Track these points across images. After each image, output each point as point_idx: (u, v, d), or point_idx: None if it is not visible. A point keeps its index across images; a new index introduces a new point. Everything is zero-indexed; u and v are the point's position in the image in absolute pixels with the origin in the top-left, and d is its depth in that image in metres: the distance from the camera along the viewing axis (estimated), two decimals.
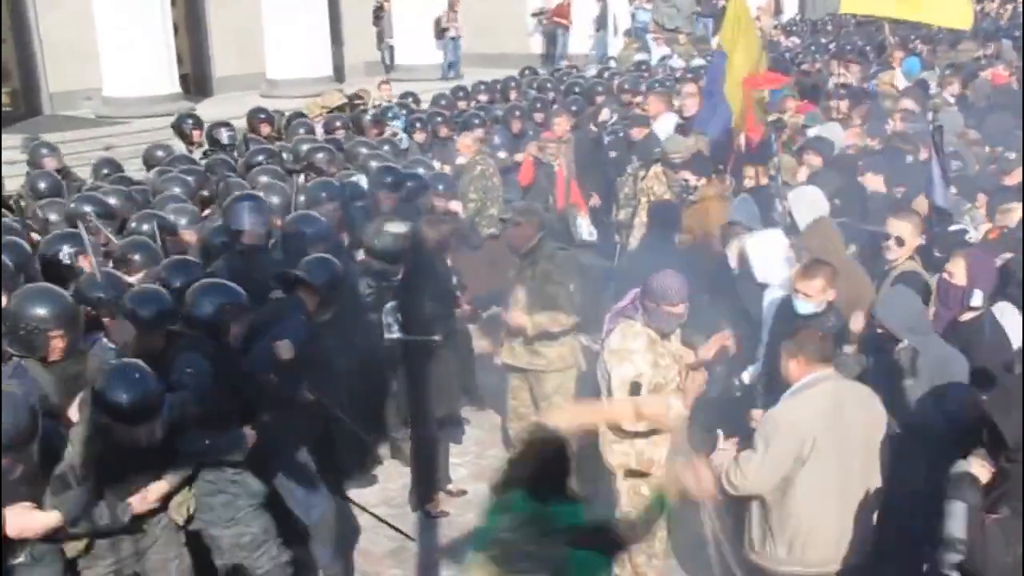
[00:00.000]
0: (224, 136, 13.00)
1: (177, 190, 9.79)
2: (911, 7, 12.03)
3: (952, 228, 8.36)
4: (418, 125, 13.90)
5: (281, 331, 6.46)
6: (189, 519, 5.90)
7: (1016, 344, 6.38)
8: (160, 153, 12.30)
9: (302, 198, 9.29)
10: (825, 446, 5.44)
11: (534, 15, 27.05)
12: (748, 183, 10.20)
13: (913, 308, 6.48)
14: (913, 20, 12.38)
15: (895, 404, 5.93)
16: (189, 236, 8.50)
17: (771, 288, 7.38)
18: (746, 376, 7.27)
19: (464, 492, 8.30)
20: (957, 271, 6.98)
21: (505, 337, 8.05)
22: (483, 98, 16.88)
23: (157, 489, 5.54)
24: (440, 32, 25.37)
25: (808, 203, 8.40)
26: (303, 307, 6.75)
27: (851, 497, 5.61)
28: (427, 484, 8.11)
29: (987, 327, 6.58)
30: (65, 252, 7.36)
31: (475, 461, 8.81)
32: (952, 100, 14.21)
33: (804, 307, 6.65)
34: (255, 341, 6.40)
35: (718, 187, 9.75)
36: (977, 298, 6.75)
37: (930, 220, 8.26)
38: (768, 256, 7.56)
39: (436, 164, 11.90)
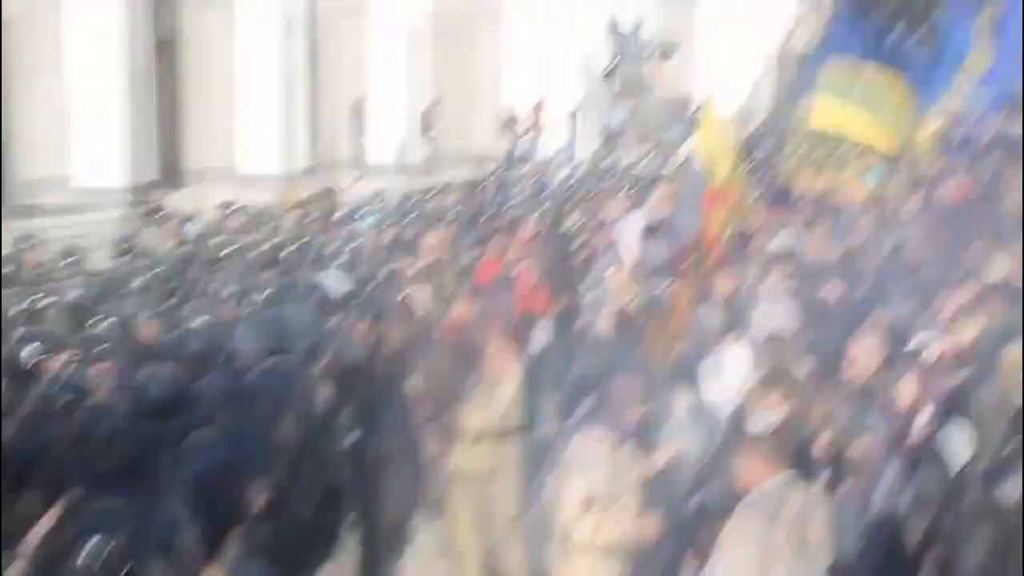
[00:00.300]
0: (191, 229, 12.98)
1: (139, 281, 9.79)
2: (868, 131, 12.27)
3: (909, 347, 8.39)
4: (386, 224, 13.93)
5: None
6: None
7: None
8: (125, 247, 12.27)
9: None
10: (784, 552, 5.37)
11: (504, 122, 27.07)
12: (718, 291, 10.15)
13: None
14: (869, 142, 12.52)
15: None
16: (147, 329, 8.35)
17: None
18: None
19: None
20: (903, 392, 6.96)
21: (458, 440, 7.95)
22: (452, 198, 16.94)
23: None
24: (426, 128, 25.55)
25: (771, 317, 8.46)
26: None
27: None
28: None
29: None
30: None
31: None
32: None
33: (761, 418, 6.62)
34: None
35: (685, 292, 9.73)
36: (923, 419, 6.74)
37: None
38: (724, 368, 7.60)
39: (402, 262, 11.87)
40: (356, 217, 14.94)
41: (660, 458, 6.79)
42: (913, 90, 11.89)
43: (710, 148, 10.38)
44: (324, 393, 7.63)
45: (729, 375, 7.64)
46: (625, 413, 6.44)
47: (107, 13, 20.46)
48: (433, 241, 11.83)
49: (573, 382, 8.21)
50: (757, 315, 8.72)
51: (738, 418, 6.86)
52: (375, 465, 7.69)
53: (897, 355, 7.92)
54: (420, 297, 10.26)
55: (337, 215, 14.96)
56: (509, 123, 26.73)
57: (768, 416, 6.38)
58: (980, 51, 14.38)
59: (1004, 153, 18.10)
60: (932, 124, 12.37)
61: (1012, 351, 7.26)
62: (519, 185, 18.47)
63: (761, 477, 5.57)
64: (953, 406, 7.00)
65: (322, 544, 6.76)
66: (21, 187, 20.72)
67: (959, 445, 6.58)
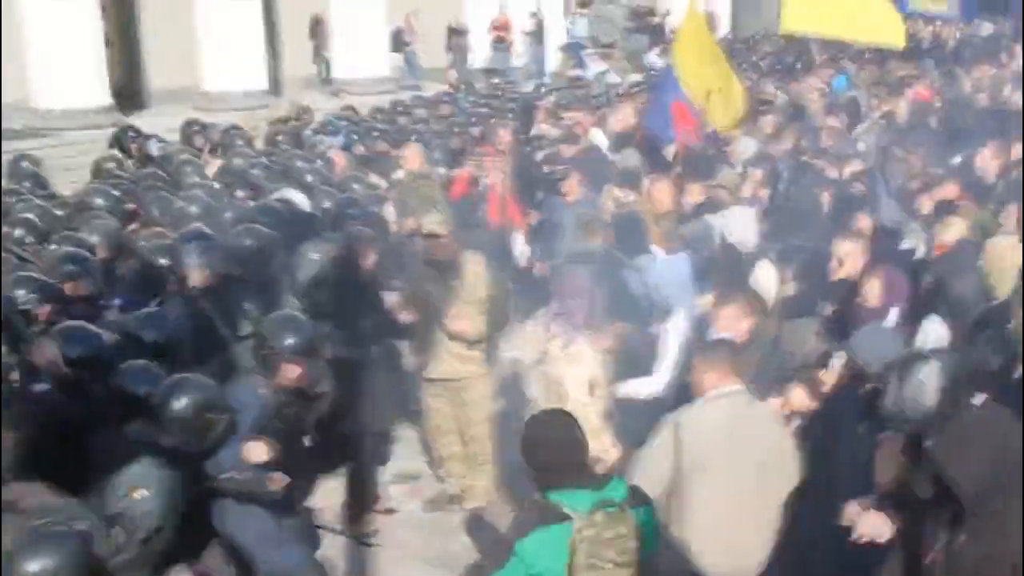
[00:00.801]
0: (154, 149, 12.77)
1: (100, 202, 9.62)
2: (849, 26, 12.14)
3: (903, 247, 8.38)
4: (356, 139, 13.78)
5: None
6: None
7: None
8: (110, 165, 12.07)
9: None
10: (719, 459, 5.39)
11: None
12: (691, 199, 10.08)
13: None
14: (850, 39, 12.45)
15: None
16: (102, 252, 8.12)
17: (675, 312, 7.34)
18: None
19: (393, 511, 8.13)
20: (871, 292, 6.99)
21: (431, 349, 7.97)
22: (421, 112, 16.77)
23: None
24: (399, 45, 25.35)
25: (741, 224, 8.43)
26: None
27: (745, 512, 5.49)
28: (359, 503, 7.90)
29: None
30: None
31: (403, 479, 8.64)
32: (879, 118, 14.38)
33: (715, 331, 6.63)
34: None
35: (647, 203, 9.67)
36: (892, 317, 6.81)
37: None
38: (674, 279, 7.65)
39: (374, 178, 11.76)
40: (328, 133, 14.79)
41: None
42: None
43: (691, 51, 10.37)
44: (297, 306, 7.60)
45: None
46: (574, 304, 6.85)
47: None
48: (412, 153, 11.69)
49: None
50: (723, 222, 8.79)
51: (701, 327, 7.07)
52: (357, 376, 7.60)
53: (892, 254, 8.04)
54: (394, 210, 10.23)
55: (308, 132, 14.76)
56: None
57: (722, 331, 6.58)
58: None
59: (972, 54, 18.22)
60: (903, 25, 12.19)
61: (994, 244, 7.32)
62: (487, 98, 18.25)
63: (711, 384, 5.58)
64: (930, 302, 7.05)
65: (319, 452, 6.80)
66: None
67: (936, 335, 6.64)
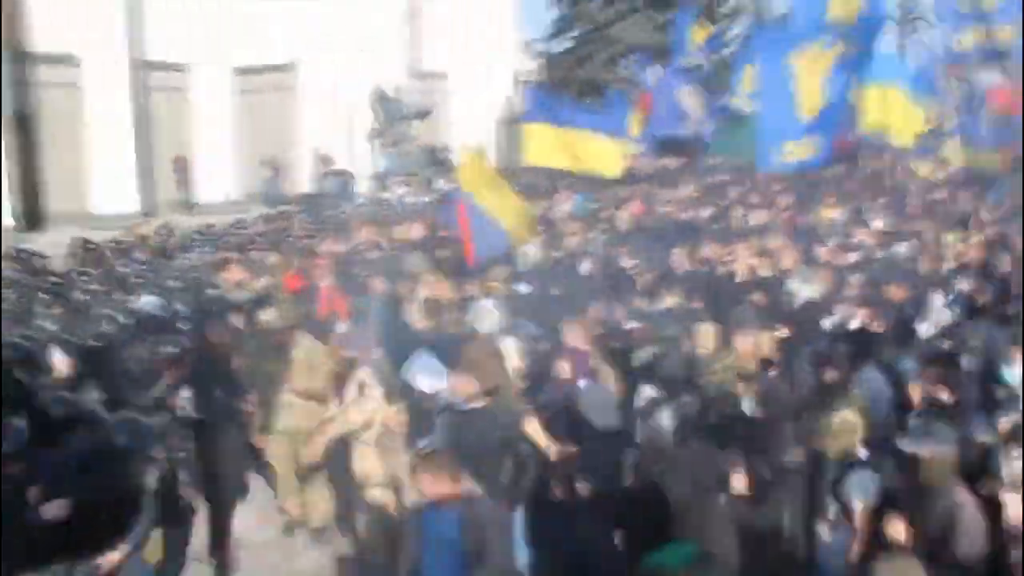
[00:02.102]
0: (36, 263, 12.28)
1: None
2: (579, 162, 12.61)
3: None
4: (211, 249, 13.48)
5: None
6: None
7: None
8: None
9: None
10: None
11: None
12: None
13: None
14: (578, 171, 12.91)
15: None
16: None
17: None
18: None
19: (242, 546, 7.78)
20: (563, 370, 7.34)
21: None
22: (262, 228, 16.50)
23: None
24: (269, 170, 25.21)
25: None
26: None
27: None
28: (223, 537, 7.58)
29: None
30: None
31: (262, 512, 8.30)
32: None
33: None
34: None
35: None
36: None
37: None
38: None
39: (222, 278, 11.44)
40: (188, 246, 14.39)
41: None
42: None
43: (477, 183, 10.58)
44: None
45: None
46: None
47: None
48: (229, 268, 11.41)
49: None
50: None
51: None
52: (210, 434, 7.33)
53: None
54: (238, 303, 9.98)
55: (172, 244, 14.35)
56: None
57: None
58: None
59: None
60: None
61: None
62: (318, 216, 18.14)
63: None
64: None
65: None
66: None
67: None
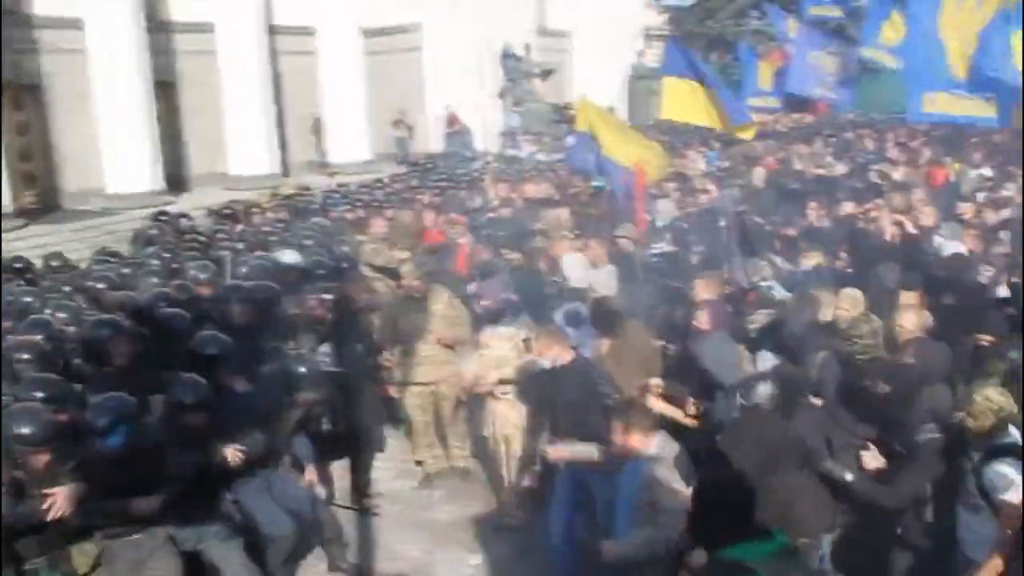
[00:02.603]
0: (184, 223, 12.73)
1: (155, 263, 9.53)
2: (708, 118, 12.34)
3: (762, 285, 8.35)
4: (348, 207, 13.69)
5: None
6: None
7: None
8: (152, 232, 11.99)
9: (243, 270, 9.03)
10: None
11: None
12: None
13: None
14: (711, 126, 12.60)
15: None
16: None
17: None
18: None
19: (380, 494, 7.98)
20: (701, 320, 6.96)
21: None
22: (395, 186, 16.72)
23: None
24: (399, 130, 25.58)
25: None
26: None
27: None
28: (363, 486, 7.79)
29: None
30: None
31: (397, 465, 8.47)
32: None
33: None
34: None
35: None
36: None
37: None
38: None
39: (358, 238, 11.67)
40: (324, 205, 14.68)
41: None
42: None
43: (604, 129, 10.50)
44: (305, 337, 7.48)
45: None
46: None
47: (121, 64, 19.80)
48: (380, 221, 11.64)
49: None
50: None
51: None
52: (349, 387, 7.49)
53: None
54: (377, 259, 10.15)
55: (308, 204, 14.67)
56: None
57: None
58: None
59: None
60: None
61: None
62: (447, 172, 18.29)
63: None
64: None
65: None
66: (71, 196, 20.43)
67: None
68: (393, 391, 8.35)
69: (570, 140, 15.04)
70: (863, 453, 5.32)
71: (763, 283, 8.41)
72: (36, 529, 4.67)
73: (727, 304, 7.69)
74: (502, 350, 7.25)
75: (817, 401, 5.84)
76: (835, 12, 17.61)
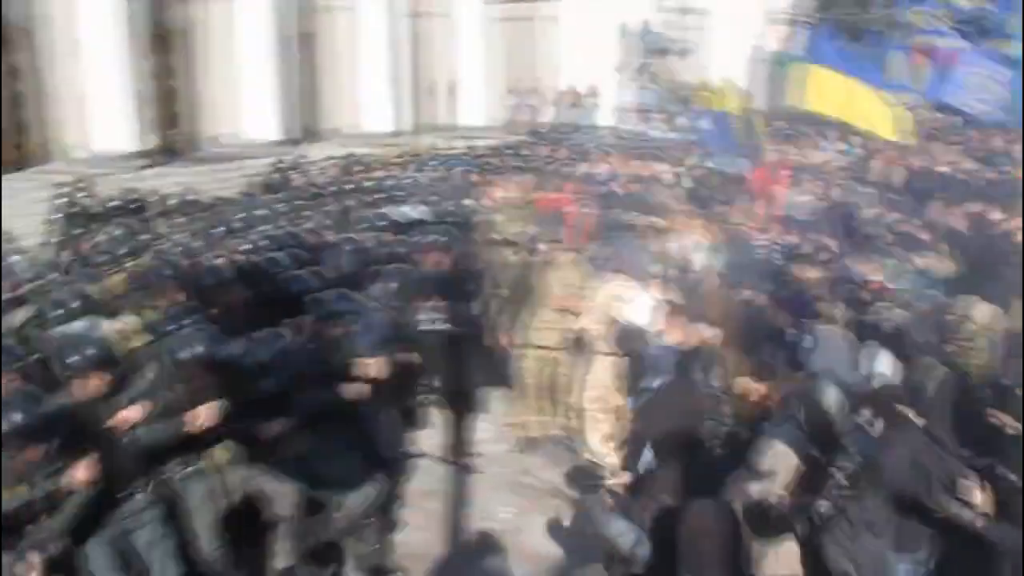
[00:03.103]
0: (312, 172, 13.00)
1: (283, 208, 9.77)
2: (855, 114, 11.93)
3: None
4: (473, 170, 13.77)
5: None
6: None
7: None
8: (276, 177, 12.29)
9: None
10: None
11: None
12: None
13: None
14: (852, 123, 12.15)
15: None
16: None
17: None
18: None
19: (480, 454, 8.04)
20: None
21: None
22: (524, 153, 16.73)
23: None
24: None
25: None
26: None
27: None
28: (463, 443, 7.87)
29: None
30: None
31: (500, 427, 8.48)
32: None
33: None
34: None
35: None
36: None
37: None
38: None
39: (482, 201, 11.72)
40: (449, 165, 14.79)
41: None
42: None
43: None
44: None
45: None
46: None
47: (264, 14, 20.28)
48: (509, 183, 11.68)
49: None
50: None
51: None
52: (459, 345, 7.54)
53: None
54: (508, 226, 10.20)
55: (433, 164, 14.81)
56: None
57: None
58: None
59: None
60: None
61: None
62: (571, 145, 18.19)
63: None
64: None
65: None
66: (207, 140, 21.07)
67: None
68: (507, 352, 8.40)
69: (705, 121, 14.85)
70: (964, 483, 4.77)
71: (889, 283, 8.12)
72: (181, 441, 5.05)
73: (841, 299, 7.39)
74: (614, 300, 7.36)
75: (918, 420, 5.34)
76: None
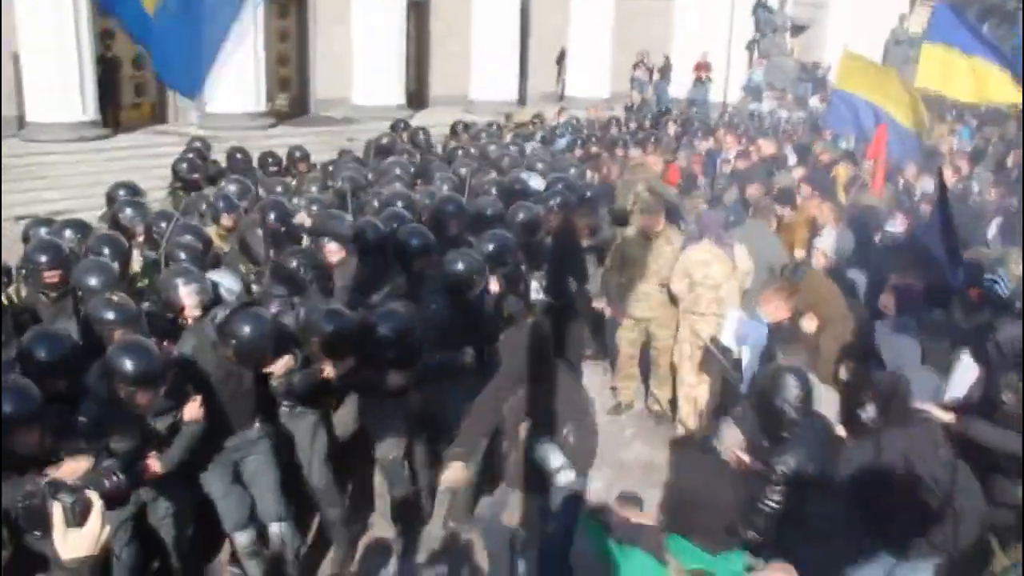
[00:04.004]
0: (421, 137, 13.07)
1: (398, 171, 9.88)
2: (972, 92, 11.51)
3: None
4: (579, 143, 13.72)
5: None
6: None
7: None
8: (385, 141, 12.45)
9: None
10: None
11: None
12: None
13: None
14: (969, 101, 11.77)
15: None
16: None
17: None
18: None
19: None
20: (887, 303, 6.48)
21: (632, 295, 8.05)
22: (632, 126, 16.62)
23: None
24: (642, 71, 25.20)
25: None
26: None
27: None
28: None
29: None
30: None
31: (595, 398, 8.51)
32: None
33: None
34: None
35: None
36: None
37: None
38: None
39: (588, 174, 11.70)
40: (556, 136, 14.78)
41: None
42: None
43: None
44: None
45: None
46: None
47: None
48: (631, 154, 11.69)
49: None
50: None
51: None
52: (557, 316, 7.63)
53: None
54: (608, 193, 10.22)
55: (540, 134, 14.79)
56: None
57: None
58: None
59: None
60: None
61: None
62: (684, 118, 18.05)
63: None
64: None
65: None
66: (318, 102, 21.55)
67: None
68: (606, 321, 8.50)
69: (816, 104, 14.53)
70: None
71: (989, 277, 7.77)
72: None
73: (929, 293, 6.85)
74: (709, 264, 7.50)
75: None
76: None
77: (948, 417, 5.03)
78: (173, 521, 5.07)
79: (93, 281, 5.65)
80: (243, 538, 5.37)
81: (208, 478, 5.27)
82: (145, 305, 5.67)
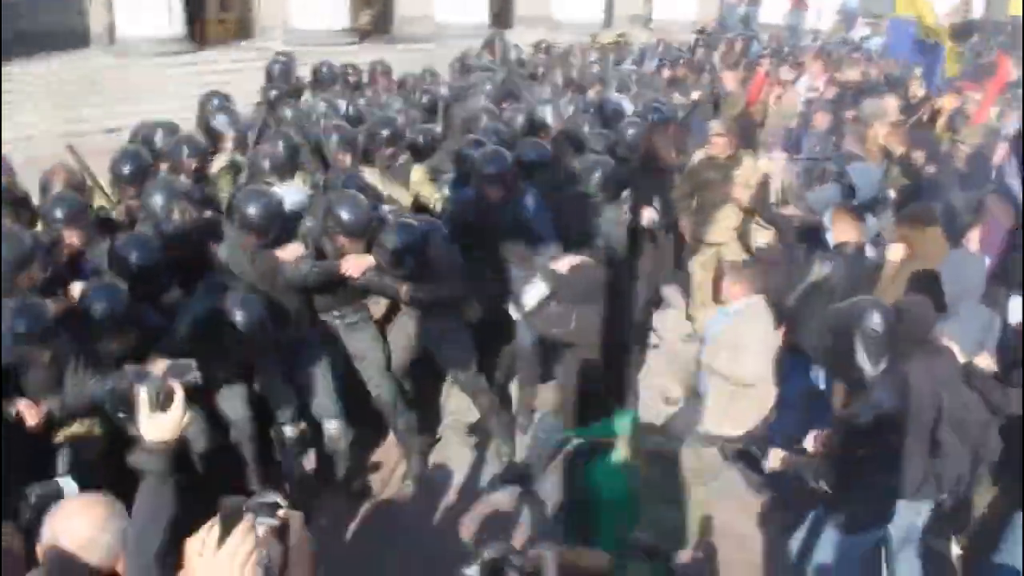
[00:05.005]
0: (512, 53, 12.94)
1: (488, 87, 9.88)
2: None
3: None
4: (667, 64, 13.41)
5: None
6: None
7: None
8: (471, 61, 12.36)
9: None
10: None
11: None
12: None
13: None
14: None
15: None
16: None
17: None
18: None
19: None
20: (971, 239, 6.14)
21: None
22: (718, 49, 16.19)
23: None
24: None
25: None
26: None
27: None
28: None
29: None
30: None
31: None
32: None
33: None
34: None
35: None
36: None
37: None
38: None
39: (676, 95, 11.44)
40: (641, 58, 14.50)
41: None
42: None
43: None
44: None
45: None
46: None
47: None
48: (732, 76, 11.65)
49: None
50: None
51: None
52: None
53: None
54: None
55: (631, 57, 14.58)
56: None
57: None
58: None
59: None
60: None
61: None
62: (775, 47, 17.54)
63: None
64: None
65: None
66: (401, 20, 21.46)
67: None
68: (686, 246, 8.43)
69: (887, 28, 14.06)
70: None
71: None
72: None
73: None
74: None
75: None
76: None
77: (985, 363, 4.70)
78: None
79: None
80: (291, 431, 5.40)
81: (265, 368, 5.27)
82: (208, 213, 5.81)
